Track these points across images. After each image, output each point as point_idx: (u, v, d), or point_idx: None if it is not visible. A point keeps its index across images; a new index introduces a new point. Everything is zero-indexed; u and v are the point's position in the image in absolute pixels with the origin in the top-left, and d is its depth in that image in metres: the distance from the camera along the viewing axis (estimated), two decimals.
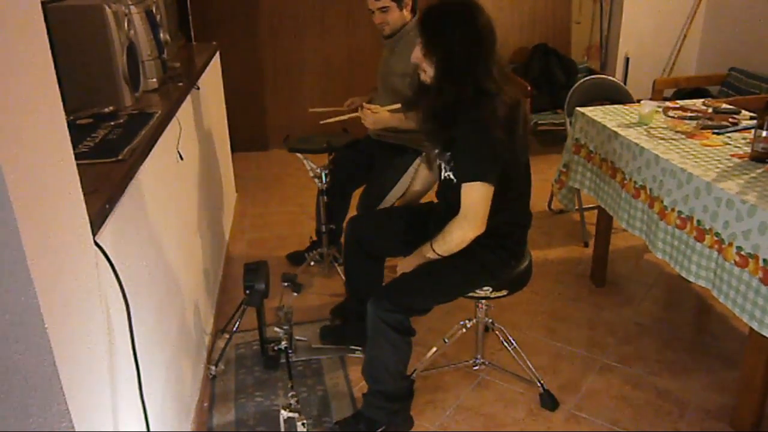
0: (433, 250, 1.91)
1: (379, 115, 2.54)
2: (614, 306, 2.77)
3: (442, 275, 1.95)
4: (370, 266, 2.33)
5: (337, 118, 2.70)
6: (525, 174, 1.97)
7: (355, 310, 2.42)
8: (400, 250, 2.17)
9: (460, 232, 1.85)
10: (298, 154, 2.85)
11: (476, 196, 1.82)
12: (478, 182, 1.80)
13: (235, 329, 2.49)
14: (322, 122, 2.74)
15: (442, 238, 1.89)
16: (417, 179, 2.44)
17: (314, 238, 3.11)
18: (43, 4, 1.04)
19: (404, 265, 2.01)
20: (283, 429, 1.98)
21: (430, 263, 1.95)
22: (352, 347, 2.45)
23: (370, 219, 2.37)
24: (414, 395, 2.12)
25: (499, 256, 1.97)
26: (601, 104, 2.97)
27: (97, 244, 1.16)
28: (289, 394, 2.02)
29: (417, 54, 1.88)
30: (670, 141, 2.28)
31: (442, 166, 1.96)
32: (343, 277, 2.69)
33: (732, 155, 2.12)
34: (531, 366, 2.23)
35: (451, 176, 1.92)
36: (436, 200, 2.19)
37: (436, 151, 1.97)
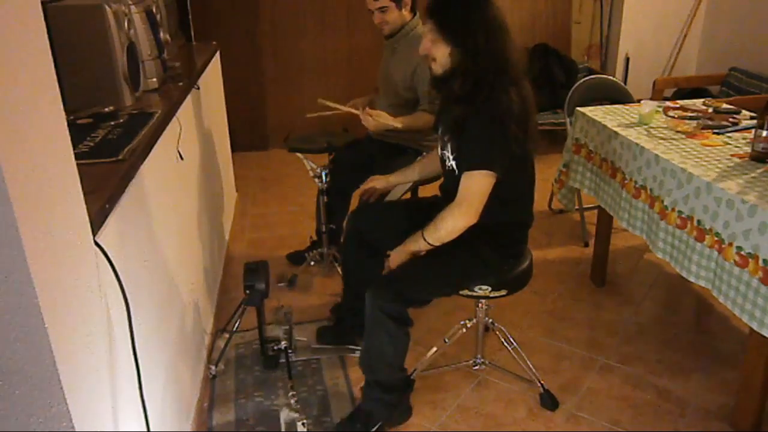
0: (424, 239, 1.89)
1: (379, 121, 2.53)
2: (614, 306, 2.77)
3: (441, 267, 1.94)
4: (369, 260, 2.31)
5: (336, 109, 2.68)
6: (531, 173, 1.97)
7: (350, 305, 2.41)
8: (401, 243, 2.17)
9: (451, 221, 1.84)
10: (298, 154, 2.84)
11: (475, 185, 1.80)
12: (481, 171, 1.78)
13: (235, 329, 2.49)
14: (321, 105, 2.72)
15: (433, 226, 1.88)
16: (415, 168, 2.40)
17: (314, 237, 3.11)
18: (43, 4, 1.04)
19: (394, 257, 1.99)
20: (283, 429, 1.98)
21: (430, 255, 1.94)
22: (352, 347, 2.45)
23: (372, 212, 2.36)
24: (412, 387, 2.12)
25: (499, 254, 1.97)
26: (601, 104, 2.97)
27: (97, 244, 1.16)
28: (289, 394, 2.02)
29: (425, 44, 1.86)
30: (671, 141, 2.28)
31: (447, 156, 1.94)
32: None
33: (732, 155, 2.12)
34: (531, 366, 2.23)
35: (455, 166, 1.91)
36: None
37: (444, 138, 1.94)
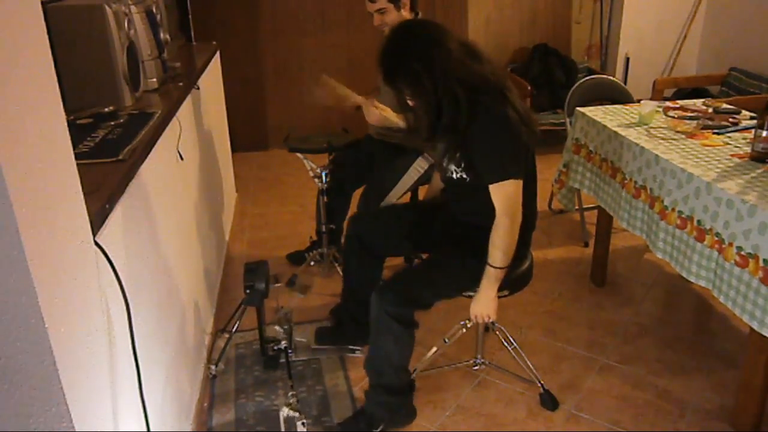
0: (496, 268, 1.85)
1: (383, 114, 2.53)
2: (614, 306, 2.77)
3: (448, 270, 1.94)
4: (370, 266, 2.31)
5: (338, 90, 2.67)
6: (532, 174, 1.96)
7: (350, 310, 2.41)
8: (402, 248, 2.16)
9: (506, 234, 1.82)
10: (298, 154, 2.85)
11: (510, 193, 1.80)
12: (508, 180, 1.79)
13: (235, 329, 2.49)
14: (324, 82, 2.71)
15: (494, 251, 1.84)
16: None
17: (314, 238, 3.11)
18: (43, 4, 1.04)
19: (480, 309, 1.92)
20: (283, 429, 1.98)
21: (437, 258, 1.93)
22: (352, 347, 2.45)
23: (372, 217, 2.36)
24: (415, 389, 2.12)
25: None
26: (601, 104, 2.97)
27: (97, 244, 1.16)
28: (289, 394, 2.02)
29: (405, 103, 1.89)
30: (671, 141, 2.28)
31: (452, 169, 1.94)
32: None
33: (732, 155, 2.12)
34: (531, 366, 2.23)
35: (465, 176, 1.91)
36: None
37: (444, 155, 1.95)
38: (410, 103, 1.87)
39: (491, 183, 1.81)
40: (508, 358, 2.35)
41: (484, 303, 1.92)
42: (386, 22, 2.60)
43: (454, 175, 1.94)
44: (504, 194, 1.81)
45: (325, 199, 2.88)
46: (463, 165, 1.90)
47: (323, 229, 2.94)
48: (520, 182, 1.81)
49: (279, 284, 2.84)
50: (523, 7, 4.95)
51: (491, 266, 1.86)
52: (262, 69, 4.82)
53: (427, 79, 1.76)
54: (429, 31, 1.81)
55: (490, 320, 1.96)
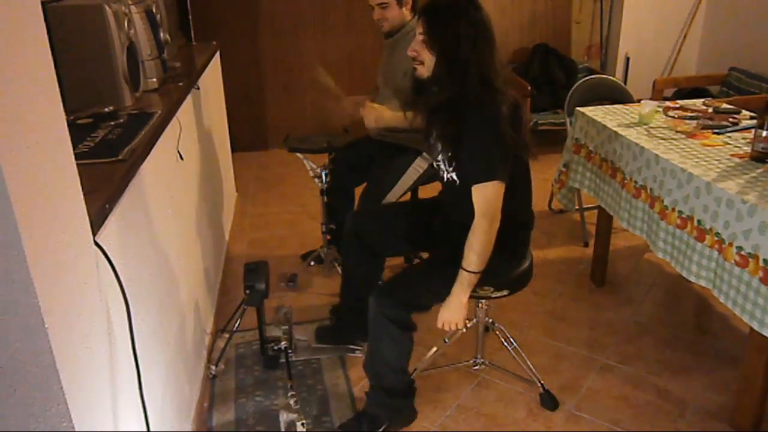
0: (469, 272, 1.82)
1: (382, 114, 2.52)
2: (614, 306, 2.77)
3: (445, 272, 1.93)
4: (369, 262, 2.30)
5: (326, 84, 2.69)
6: (526, 173, 1.97)
7: (350, 307, 2.41)
8: (401, 246, 2.15)
9: (483, 236, 1.79)
10: (298, 154, 2.85)
11: (490, 195, 1.79)
12: (491, 182, 1.78)
13: (235, 329, 2.49)
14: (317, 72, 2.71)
15: (470, 253, 1.81)
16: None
17: (328, 237, 3.11)
18: (43, 4, 1.04)
19: (449, 315, 1.89)
20: (282, 429, 1.98)
21: (434, 260, 1.93)
22: (352, 347, 2.45)
23: (372, 214, 2.36)
24: (415, 392, 2.12)
25: (502, 257, 1.97)
26: (601, 104, 2.97)
27: (97, 244, 1.16)
28: (289, 394, 2.02)
29: (415, 46, 1.85)
30: (671, 141, 2.28)
31: (444, 169, 1.94)
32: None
33: (732, 155, 2.12)
34: (531, 366, 2.23)
35: (455, 177, 1.91)
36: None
37: (438, 154, 1.95)
38: (424, 54, 1.83)
39: (474, 183, 1.80)
40: (508, 358, 2.35)
41: (454, 309, 1.87)
42: (386, 17, 2.59)
43: (445, 176, 1.94)
44: (484, 196, 1.79)
45: (325, 199, 2.88)
46: (454, 165, 1.89)
47: (323, 228, 2.94)
48: (502, 186, 1.79)
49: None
50: (523, 7, 4.94)
51: (465, 270, 1.83)
52: (262, 69, 4.82)
53: (463, 42, 1.74)
54: (488, 20, 1.81)
55: (458, 328, 1.92)
